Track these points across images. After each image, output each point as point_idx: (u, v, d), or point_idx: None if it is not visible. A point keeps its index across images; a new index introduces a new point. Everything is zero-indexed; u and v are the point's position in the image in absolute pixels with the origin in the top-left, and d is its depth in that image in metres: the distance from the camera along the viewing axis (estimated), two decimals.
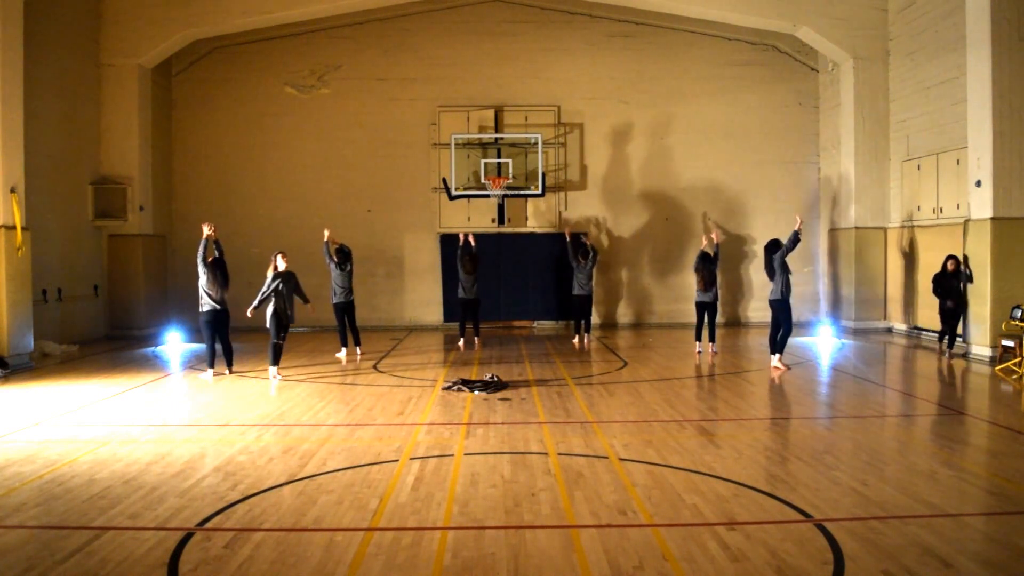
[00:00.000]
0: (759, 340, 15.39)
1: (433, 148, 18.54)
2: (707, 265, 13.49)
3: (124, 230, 16.67)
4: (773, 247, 11.73)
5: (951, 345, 13.15)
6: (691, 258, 17.98)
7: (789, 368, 11.80)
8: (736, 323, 18.72)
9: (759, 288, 18.41)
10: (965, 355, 12.95)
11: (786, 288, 11.59)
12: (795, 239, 11.53)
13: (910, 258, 15.97)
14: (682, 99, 18.84)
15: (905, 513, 5.43)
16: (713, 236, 13.76)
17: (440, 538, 5.04)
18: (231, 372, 11.75)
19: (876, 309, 16.93)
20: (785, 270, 11.58)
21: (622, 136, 18.82)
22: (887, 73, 16.68)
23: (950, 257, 13.21)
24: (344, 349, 13.39)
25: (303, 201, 18.62)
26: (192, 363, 13.01)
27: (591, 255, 15.26)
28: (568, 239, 15.57)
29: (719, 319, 14.55)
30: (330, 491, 6.01)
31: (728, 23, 17.80)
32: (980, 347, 12.74)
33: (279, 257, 11.49)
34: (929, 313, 15.33)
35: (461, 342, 14.78)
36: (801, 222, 11.83)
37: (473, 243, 15.08)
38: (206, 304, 11.44)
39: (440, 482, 6.23)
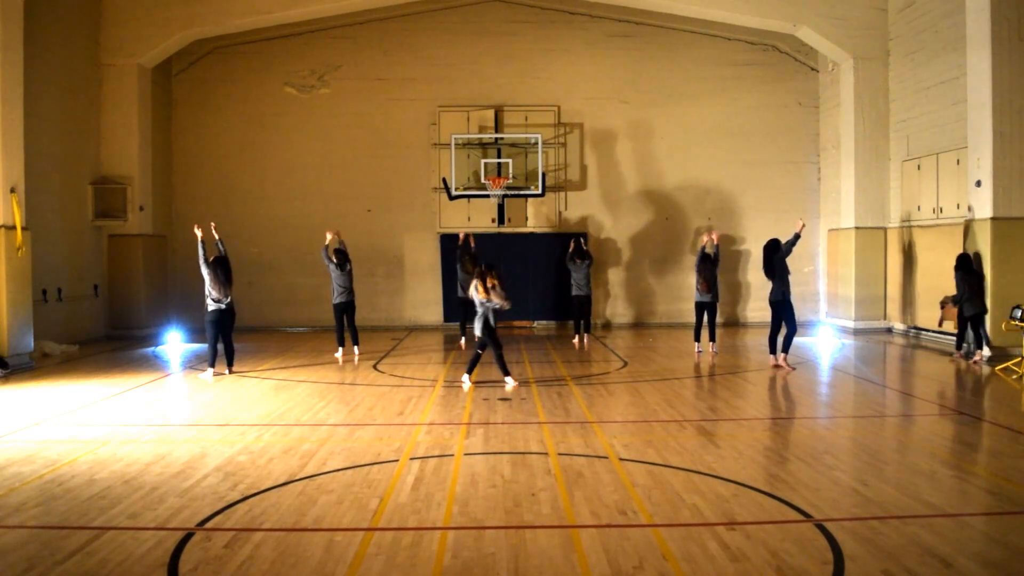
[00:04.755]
0: (759, 340, 15.38)
1: (433, 148, 18.54)
2: (708, 266, 13.53)
3: (124, 230, 16.67)
4: (773, 247, 11.78)
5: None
6: (691, 258, 18.05)
7: (794, 368, 11.79)
8: (735, 323, 18.72)
9: (758, 288, 18.39)
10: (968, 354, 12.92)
11: (787, 288, 11.67)
12: (794, 240, 11.67)
13: (910, 258, 15.97)
14: (682, 99, 18.84)
15: (905, 513, 5.43)
16: (713, 237, 13.75)
17: (440, 538, 5.04)
18: (231, 372, 11.75)
19: (876, 309, 16.92)
20: (785, 270, 11.66)
21: (622, 136, 18.81)
22: (887, 73, 16.67)
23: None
24: (341, 349, 13.41)
25: (303, 201, 18.62)
26: (192, 363, 13.01)
27: (587, 257, 15.32)
28: (573, 243, 15.56)
29: (718, 319, 14.56)
30: (330, 491, 6.01)
31: (728, 23, 17.79)
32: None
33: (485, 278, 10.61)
34: (929, 313, 15.33)
35: (462, 341, 14.88)
36: (803, 225, 11.88)
37: (472, 243, 15.29)
38: (211, 304, 11.47)
39: (440, 482, 6.23)
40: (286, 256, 18.55)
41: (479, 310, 10.51)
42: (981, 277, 12.71)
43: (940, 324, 13.79)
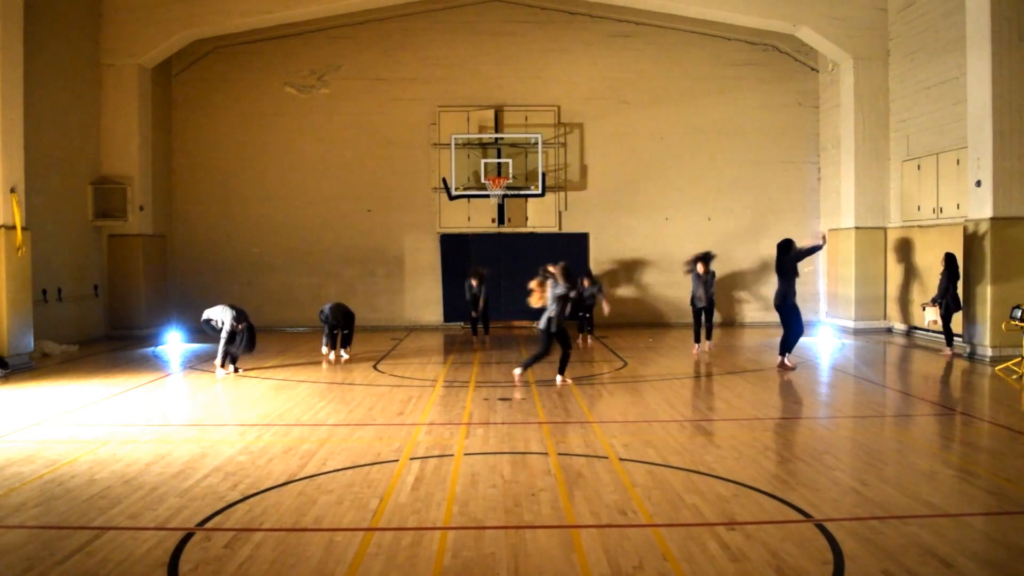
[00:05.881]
0: (759, 340, 15.40)
1: (433, 148, 18.54)
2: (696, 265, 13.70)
3: (124, 230, 16.67)
4: (785, 247, 11.80)
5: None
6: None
7: (794, 368, 11.79)
8: (735, 323, 18.72)
9: (758, 288, 18.42)
10: (969, 355, 12.94)
11: (790, 291, 11.69)
12: (811, 250, 12.02)
13: (910, 258, 15.97)
14: (682, 99, 18.84)
15: (905, 513, 5.43)
16: (700, 268, 13.80)
17: (440, 538, 5.04)
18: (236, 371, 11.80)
19: (876, 309, 16.92)
20: (793, 273, 11.71)
21: (622, 136, 18.81)
22: (887, 73, 16.66)
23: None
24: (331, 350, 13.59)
25: (303, 201, 18.62)
26: (192, 363, 13.01)
27: (593, 286, 15.04)
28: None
29: (716, 319, 14.61)
30: (330, 491, 6.01)
31: (728, 23, 17.79)
32: (980, 347, 12.74)
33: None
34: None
35: (486, 338, 15.52)
36: (825, 239, 12.29)
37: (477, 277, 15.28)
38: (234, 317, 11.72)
39: (440, 482, 6.23)
40: (286, 256, 18.56)
41: (546, 310, 10.71)
42: (958, 277, 13.13)
43: (925, 323, 14.22)
